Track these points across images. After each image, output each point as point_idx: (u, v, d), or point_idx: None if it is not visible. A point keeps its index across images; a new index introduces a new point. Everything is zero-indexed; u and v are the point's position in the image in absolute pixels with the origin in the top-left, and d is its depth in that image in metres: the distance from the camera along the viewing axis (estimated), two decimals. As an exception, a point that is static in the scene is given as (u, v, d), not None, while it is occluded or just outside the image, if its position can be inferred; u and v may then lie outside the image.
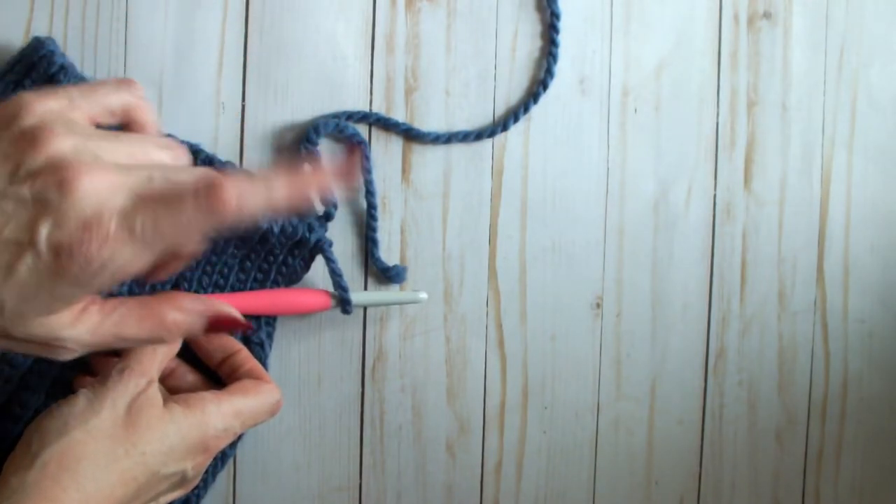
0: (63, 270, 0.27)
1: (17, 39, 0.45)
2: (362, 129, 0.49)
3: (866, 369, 0.59)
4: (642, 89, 0.54)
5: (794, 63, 0.57)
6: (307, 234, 0.45)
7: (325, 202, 0.45)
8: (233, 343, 0.44)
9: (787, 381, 0.58)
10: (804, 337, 0.58)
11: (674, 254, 0.55)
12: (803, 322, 0.58)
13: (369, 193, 0.49)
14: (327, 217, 0.47)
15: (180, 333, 0.35)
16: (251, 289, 0.46)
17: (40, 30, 0.45)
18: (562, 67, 0.52)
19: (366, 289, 0.50)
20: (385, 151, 0.50)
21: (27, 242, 0.27)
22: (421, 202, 0.51)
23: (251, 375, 0.43)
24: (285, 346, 0.49)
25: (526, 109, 0.51)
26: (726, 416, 0.57)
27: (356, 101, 0.49)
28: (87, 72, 0.45)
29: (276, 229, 0.44)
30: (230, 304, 0.45)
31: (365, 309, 0.50)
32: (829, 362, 0.58)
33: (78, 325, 0.30)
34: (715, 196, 0.56)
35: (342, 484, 0.50)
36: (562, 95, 0.53)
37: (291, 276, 0.47)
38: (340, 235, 0.49)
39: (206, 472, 0.46)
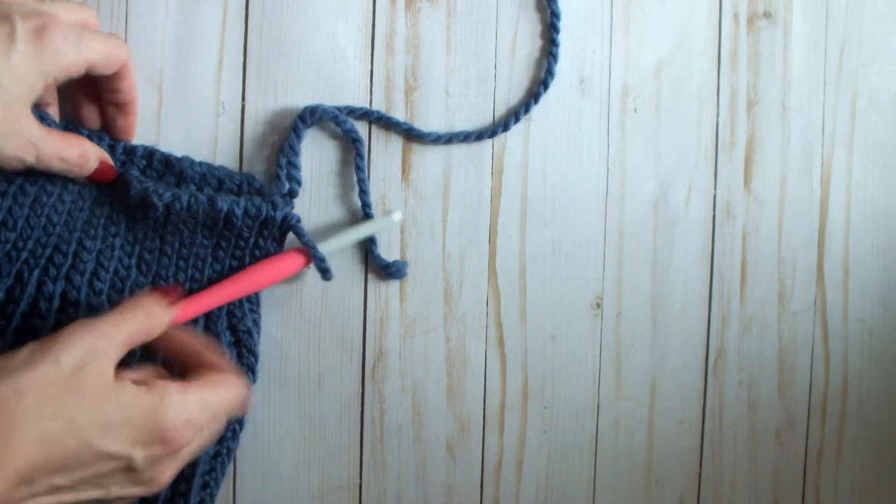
0: (45, 43, 0.37)
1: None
2: (362, 128, 0.49)
3: (866, 369, 0.59)
4: (642, 89, 0.54)
5: (794, 63, 0.57)
6: (272, 212, 0.45)
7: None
8: (196, 338, 0.42)
9: (787, 381, 0.58)
10: (804, 337, 0.58)
11: (674, 254, 0.55)
12: (803, 322, 0.58)
13: (363, 192, 0.49)
14: (291, 194, 0.47)
15: (93, 162, 0.42)
16: (228, 276, 0.46)
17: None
18: (562, 67, 0.52)
19: (365, 286, 0.50)
20: (385, 151, 0.50)
21: (12, 39, 0.36)
22: (421, 202, 0.51)
23: (218, 369, 0.41)
24: (285, 346, 0.49)
25: (526, 109, 0.51)
26: (726, 416, 0.57)
27: (356, 101, 0.49)
28: (87, 71, 0.45)
29: (238, 211, 0.44)
30: (215, 299, 0.44)
31: (365, 309, 0.50)
32: (829, 362, 0.58)
33: (47, 138, 0.39)
34: (715, 196, 0.56)
35: (342, 484, 0.50)
36: (562, 95, 0.53)
37: (267, 258, 0.46)
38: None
39: (215, 469, 0.45)
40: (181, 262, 0.45)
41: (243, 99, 0.48)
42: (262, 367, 0.48)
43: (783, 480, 0.58)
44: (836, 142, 0.58)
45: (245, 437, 0.47)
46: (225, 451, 0.46)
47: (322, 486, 0.50)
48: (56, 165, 0.40)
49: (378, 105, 0.50)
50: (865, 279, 0.59)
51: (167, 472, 0.38)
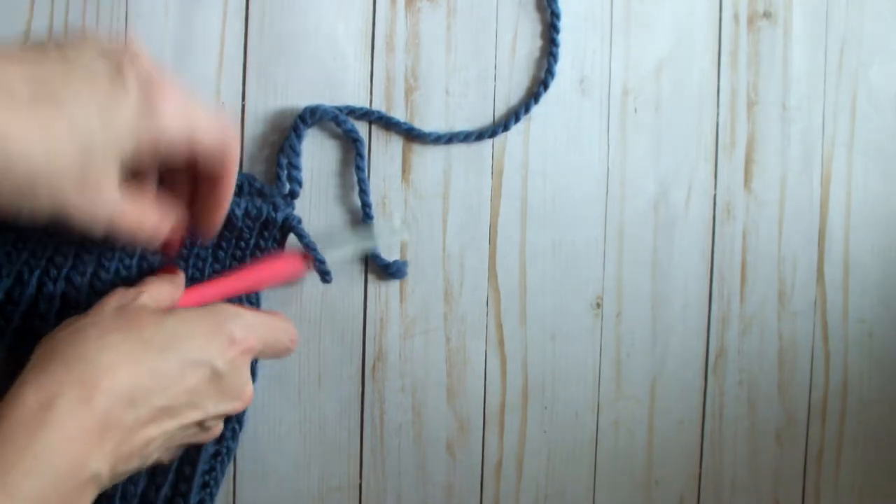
0: (152, 99, 0.34)
1: (17, 39, 0.45)
2: (362, 128, 0.49)
3: (866, 369, 0.59)
4: (642, 89, 0.54)
5: (794, 63, 0.57)
6: (273, 214, 0.45)
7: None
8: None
9: (787, 381, 0.58)
10: (804, 337, 0.58)
11: (674, 254, 0.55)
12: (803, 322, 0.58)
13: (363, 192, 0.49)
14: (292, 195, 0.47)
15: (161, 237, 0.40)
16: None
17: (40, 29, 0.45)
18: (562, 67, 0.52)
19: (365, 286, 0.50)
20: (385, 151, 0.50)
21: (122, 85, 0.34)
22: (421, 202, 0.51)
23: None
24: (285, 346, 0.49)
25: (526, 109, 0.51)
26: (726, 416, 0.57)
27: (356, 101, 0.49)
28: (87, 71, 0.45)
29: (239, 212, 0.44)
30: (214, 292, 0.44)
31: (365, 309, 0.50)
32: (829, 362, 0.58)
33: (123, 208, 0.36)
34: (715, 196, 0.56)
35: (342, 484, 0.50)
36: (562, 95, 0.53)
37: (269, 256, 0.46)
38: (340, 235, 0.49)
39: (215, 469, 0.45)
40: (181, 263, 0.45)
41: (243, 99, 0.48)
42: (263, 367, 0.48)
43: (783, 480, 0.58)
44: (836, 142, 0.58)
45: (245, 437, 0.47)
46: (225, 450, 0.46)
47: (322, 486, 0.50)
48: (123, 237, 0.38)
49: (378, 105, 0.50)
50: (865, 279, 0.59)
51: (248, 382, 0.39)
